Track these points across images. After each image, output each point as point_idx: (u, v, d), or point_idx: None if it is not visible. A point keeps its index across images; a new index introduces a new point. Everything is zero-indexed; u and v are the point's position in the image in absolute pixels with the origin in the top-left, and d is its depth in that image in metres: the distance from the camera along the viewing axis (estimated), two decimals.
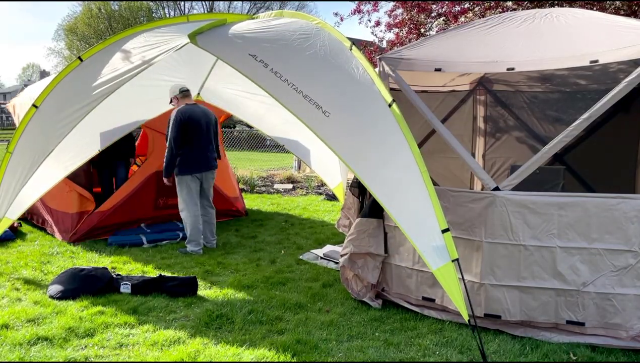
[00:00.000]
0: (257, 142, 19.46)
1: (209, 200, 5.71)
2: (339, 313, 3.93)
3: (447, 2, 8.95)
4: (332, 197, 9.22)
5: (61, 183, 5.53)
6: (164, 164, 5.32)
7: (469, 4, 8.90)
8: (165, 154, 5.30)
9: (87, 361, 3.15)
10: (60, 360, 3.14)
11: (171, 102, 5.50)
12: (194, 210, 5.44)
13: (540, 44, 3.94)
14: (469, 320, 3.15)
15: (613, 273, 3.35)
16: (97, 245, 5.62)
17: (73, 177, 5.58)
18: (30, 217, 6.67)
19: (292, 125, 6.32)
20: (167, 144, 5.28)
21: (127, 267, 4.98)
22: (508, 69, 3.85)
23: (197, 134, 5.32)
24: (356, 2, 9.85)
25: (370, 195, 3.90)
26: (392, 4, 9.76)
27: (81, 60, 4.49)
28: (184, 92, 5.44)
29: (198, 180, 5.48)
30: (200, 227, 5.52)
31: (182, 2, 37.84)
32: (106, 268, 4.47)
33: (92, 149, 4.86)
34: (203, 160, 5.45)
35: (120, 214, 6.02)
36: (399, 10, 9.66)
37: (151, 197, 6.34)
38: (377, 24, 10.28)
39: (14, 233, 5.94)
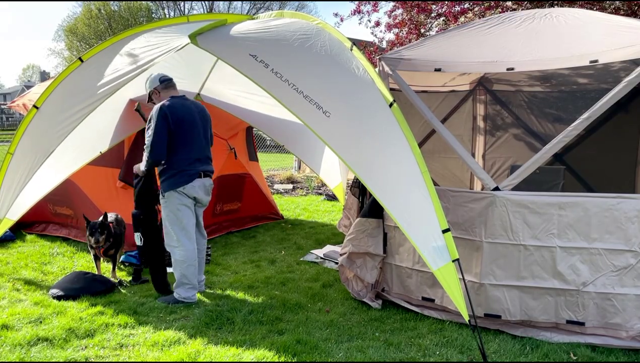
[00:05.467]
0: (257, 142, 19.43)
1: (201, 225, 4.39)
2: (339, 313, 3.93)
3: (447, 2, 8.96)
4: (332, 197, 9.23)
5: (127, 194, 5.36)
6: (142, 170, 4.16)
7: (469, 4, 8.91)
8: (144, 162, 4.08)
9: (87, 361, 3.15)
10: (61, 361, 3.14)
11: (150, 100, 4.26)
12: (188, 244, 4.09)
13: (540, 44, 3.94)
14: (469, 320, 3.15)
15: (613, 273, 3.35)
16: None
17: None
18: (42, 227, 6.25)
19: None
20: (145, 149, 4.02)
21: (127, 268, 4.98)
22: (508, 69, 3.85)
23: (192, 135, 4.09)
24: (356, 2, 9.86)
25: (370, 195, 3.90)
26: (392, 4, 9.77)
27: (82, 60, 4.50)
28: (166, 82, 4.19)
29: (191, 199, 4.09)
30: (196, 262, 4.14)
31: (182, 3, 37.87)
32: (110, 279, 4.52)
33: (94, 150, 4.84)
34: (199, 169, 4.13)
35: None
36: (399, 11, 9.66)
37: (211, 204, 5.89)
38: (377, 24, 10.30)
39: (14, 234, 5.94)
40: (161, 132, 3.92)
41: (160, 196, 4.08)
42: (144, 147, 4.03)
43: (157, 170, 4.19)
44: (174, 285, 4.14)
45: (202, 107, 4.31)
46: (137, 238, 4.26)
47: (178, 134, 3.99)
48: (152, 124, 3.96)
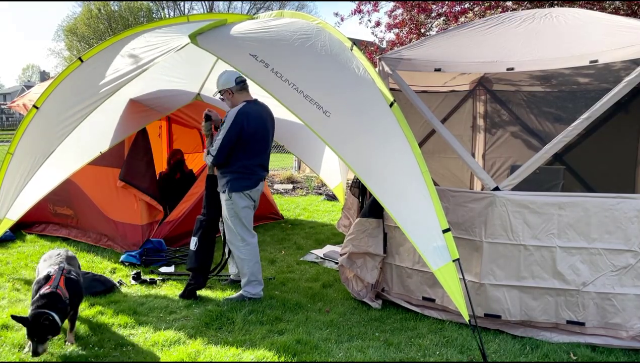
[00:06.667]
0: None
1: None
2: (339, 313, 3.93)
3: (447, 2, 8.96)
4: (332, 197, 9.23)
5: (127, 194, 5.41)
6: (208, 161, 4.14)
7: (469, 4, 8.91)
8: (209, 160, 4.11)
9: (87, 361, 3.15)
10: (60, 361, 3.14)
11: (222, 97, 4.32)
12: (252, 242, 4.22)
13: (540, 44, 3.95)
14: (469, 320, 3.15)
15: (613, 273, 3.35)
16: (97, 247, 5.63)
17: (139, 184, 5.38)
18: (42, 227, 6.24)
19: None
20: (212, 149, 4.07)
21: (127, 268, 4.98)
22: (508, 69, 3.86)
23: (264, 143, 4.20)
24: (356, 2, 9.86)
25: (370, 195, 3.90)
26: (392, 4, 9.77)
27: (82, 60, 4.49)
28: (242, 84, 4.13)
29: (252, 201, 4.19)
30: (259, 260, 4.25)
31: (182, 3, 37.84)
32: (110, 279, 4.50)
33: (95, 150, 4.84)
34: (260, 172, 4.23)
35: (188, 222, 5.29)
36: (399, 11, 9.67)
37: None
38: (377, 24, 10.29)
39: (14, 234, 5.93)
40: (231, 140, 3.98)
41: (225, 196, 4.09)
42: (212, 144, 4.07)
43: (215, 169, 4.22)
44: (243, 283, 4.15)
45: (271, 112, 4.31)
46: (192, 243, 4.16)
47: (251, 142, 4.06)
48: (225, 128, 3.97)
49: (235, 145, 4.03)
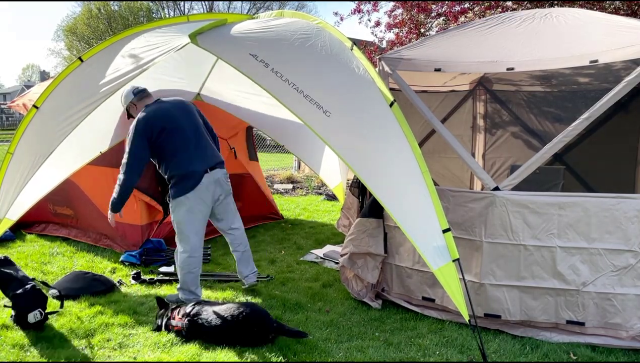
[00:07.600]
0: (257, 142, 19.33)
1: (236, 215, 4.35)
2: (339, 313, 3.93)
3: (447, 2, 8.96)
4: (332, 197, 9.23)
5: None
6: (114, 197, 3.99)
7: (469, 3, 8.91)
8: (119, 182, 3.95)
9: (87, 361, 3.15)
10: (61, 361, 3.14)
11: (130, 116, 4.24)
12: (191, 251, 3.98)
13: (540, 43, 3.95)
14: (469, 320, 3.15)
15: (613, 273, 3.35)
16: (97, 247, 5.63)
17: (139, 184, 5.22)
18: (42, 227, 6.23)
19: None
20: (122, 167, 3.88)
21: (127, 268, 4.98)
22: (508, 69, 3.85)
23: (182, 135, 3.94)
24: (356, 2, 9.86)
25: (370, 194, 3.90)
26: (392, 4, 9.77)
27: (82, 60, 4.49)
28: (140, 93, 4.15)
29: (203, 201, 3.97)
30: (198, 270, 4.03)
31: (182, 2, 37.87)
32: (110, 279, 4.50)
33: (94, 150, 4.84)
34: (205, 165, 3.97)
35: None
36: (399, 10, 9.67)
37: None
38: (377, 24, 10.31)
39: (14, 234, 5.93)
40: (138, 153, 3.83)
41: (170, 202, 3.99)
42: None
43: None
44: (177, 287, 4.12)
45: (182, 102, 4.17)
46: None
47: (165, 141, 3.88)
48: (129, 143, 3.84)
49: (154, 153, 3.91)
